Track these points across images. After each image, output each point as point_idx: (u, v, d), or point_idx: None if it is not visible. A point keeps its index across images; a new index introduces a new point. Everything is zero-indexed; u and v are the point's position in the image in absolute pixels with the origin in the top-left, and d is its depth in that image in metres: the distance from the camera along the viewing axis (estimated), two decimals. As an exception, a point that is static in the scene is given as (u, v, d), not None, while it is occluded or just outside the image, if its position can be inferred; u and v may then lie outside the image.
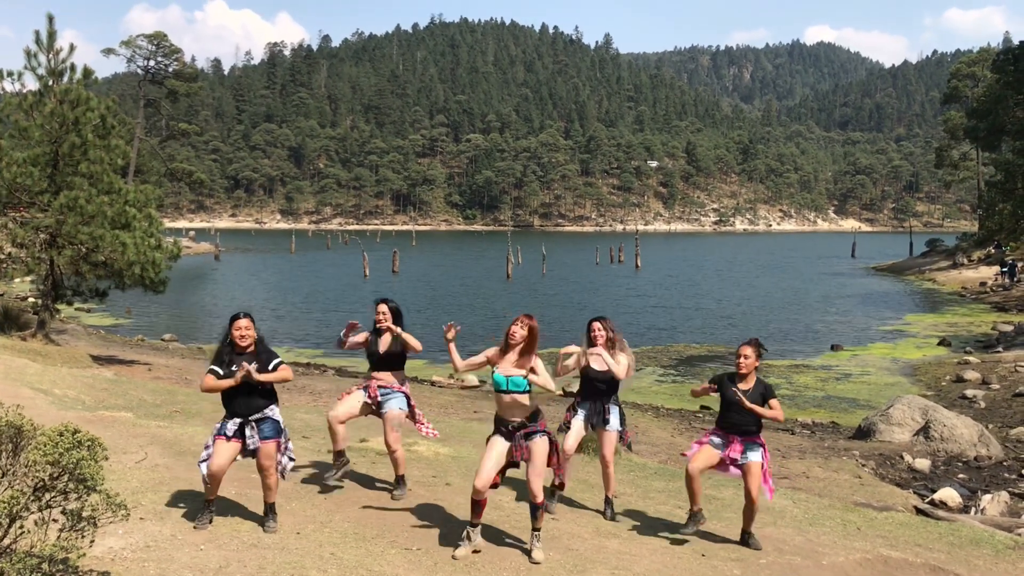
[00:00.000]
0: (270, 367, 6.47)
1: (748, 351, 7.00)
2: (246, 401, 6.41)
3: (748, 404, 6.82)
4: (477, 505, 6.32)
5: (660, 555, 6.65)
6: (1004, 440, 15.11)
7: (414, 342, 7.59)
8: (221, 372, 6.38)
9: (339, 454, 7.68)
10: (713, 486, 8.98)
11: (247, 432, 6.41)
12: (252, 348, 6.47)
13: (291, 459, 6.71)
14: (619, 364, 7.61)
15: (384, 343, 7.67)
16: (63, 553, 4.31)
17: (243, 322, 6.45)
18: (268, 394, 6.52)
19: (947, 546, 7.45)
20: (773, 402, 6.92)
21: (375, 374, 7.68)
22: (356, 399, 7.65)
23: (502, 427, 6.38)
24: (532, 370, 6.30)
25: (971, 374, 21.22)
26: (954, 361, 23.75)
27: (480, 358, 6.50)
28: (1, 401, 5.13)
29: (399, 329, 7.56)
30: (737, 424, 6.95)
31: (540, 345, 6.54)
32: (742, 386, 6.94)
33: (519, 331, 6.37)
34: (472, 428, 12.42)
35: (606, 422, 7.71)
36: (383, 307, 7.72)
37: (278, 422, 6.53)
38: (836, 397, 20.08)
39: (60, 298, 20.39)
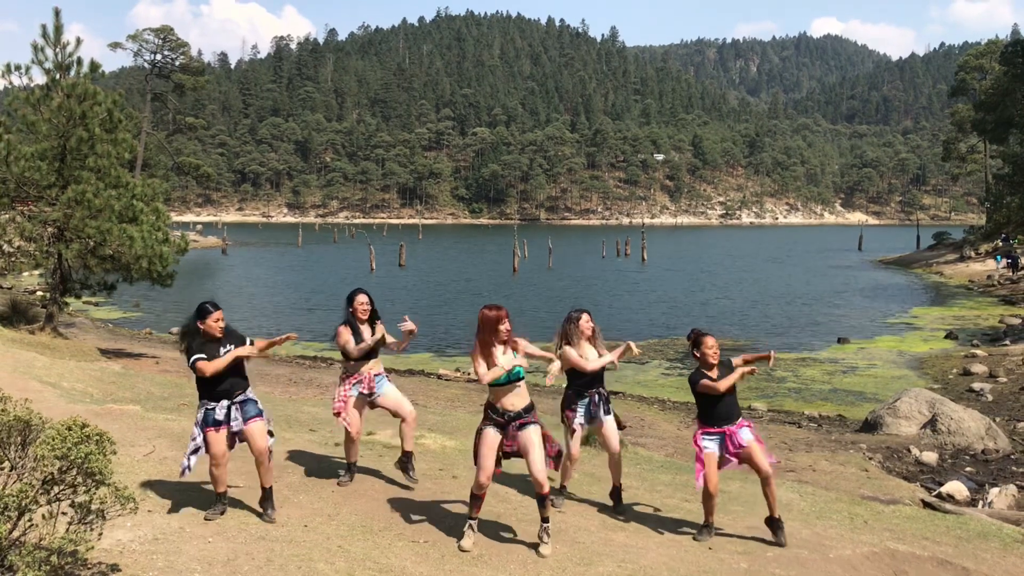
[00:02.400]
0: (247, 342, 6.63)
1: (712, 341, 6.95)
2: (232, 382, 6.48)
3: (731, 381, 6.90)
4: (478, 499, 6.33)
5: (667, 548, 6.65)
6: (1012, 433, 15.06)
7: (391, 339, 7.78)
8: (205, 357, 6.40)
9: (354, 463, 7.80)
10: (720, 480, 8.97)
11: (232, 414, 6.44)
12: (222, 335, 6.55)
13: (271, 434, 6.73)
14: (596, 358, 7.63)
15: (368, 333, 7.66)
16: (72, 546, 4.34)
17: (219, 313, 6.50)
18: (244, 376, 6.61)
19: (954, 539, 7.44)
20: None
21: (363, 365, 7.69)
22: (356, 403, 7.67)
23: (495, 416, 6.34)
24: (526, 354, 6.36)
25: (978, 367, 21.16)
26: (961, 354, 23.70)
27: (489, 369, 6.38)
28: (10, 395, 5.15)
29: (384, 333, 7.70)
30: (727, 415, 6.95)
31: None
32: (712, 374, 6.96)
33: (507, 326, 6.36)
34: (478, 421, 12.43)
35: (607, 412, 7.67)
36: (363, 298, 7.69)
37: (257, 401, 6.61)
38: (842, 390, 20.04)
39: (68, 292, 20.46)
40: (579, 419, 7.64)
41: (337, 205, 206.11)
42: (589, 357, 7.60)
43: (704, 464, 6.93)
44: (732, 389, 6.97)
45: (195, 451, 6.44)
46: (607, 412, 7.69)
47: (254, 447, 6.49)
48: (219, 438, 6.40)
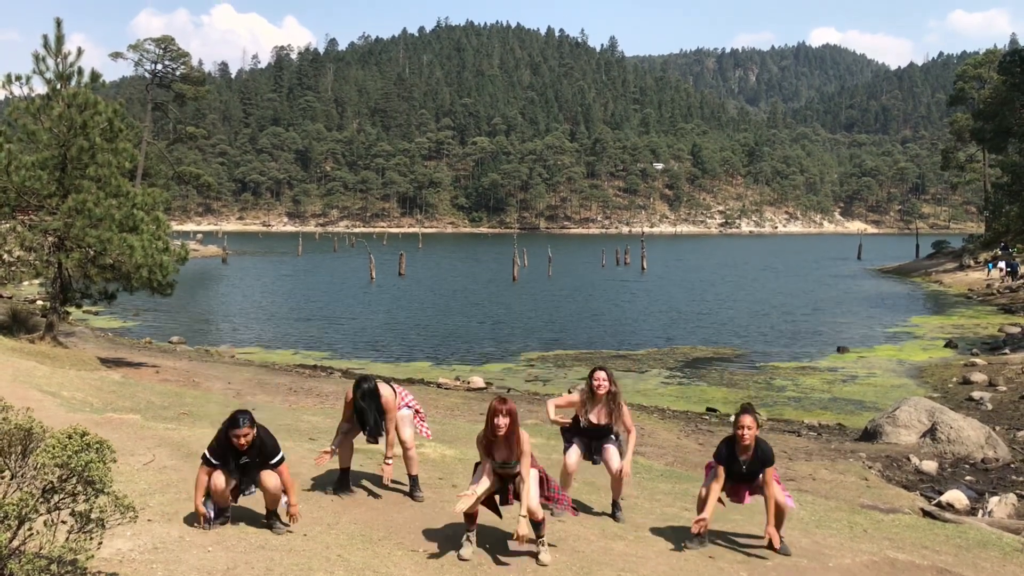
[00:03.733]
0: (272, 461, 6.45)
1: (749, 421, 6.76)
2: (245, 477, 6.52)
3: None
4: (470, 517, 6.35)
5: (666, 557, 6.64)
6: (1011, 442, 15.06)
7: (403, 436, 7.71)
8: (215, 462, 6.38)
9: (346, 471, 7.80)
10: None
11: (243, 484, 6.54)
12: (251, 446, 6.46)
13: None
14: (629, 448, 7.62)
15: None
16: (72, 555, 4.34)
17: (245, 430, 6.33)
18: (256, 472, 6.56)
19: (954, 548, 7.44)
20: (770, 473, 6.79)
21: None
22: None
23: (497, 468, 6.38)
24: (521, 456, 6.35)
25: (978, 376, 21.15)
26: (960, 363, 23.68)
27: (484, 482, 6.38)
28: (11, 404, 5.16)
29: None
30: (742, 484, 6.95)
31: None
32: (743, 457, 6.82)
33: (503, 421, 6.29)
34: (478, 431, 12.42)
35: (599, 450, 7.66)
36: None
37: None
38: (842, 399, 20.03)
39: (68, 301, 20.46)
40: (576, 444, 7.70)
41: (337, 214, 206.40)
42: (591, 419, 7.61)
43: (707, 481, 6.94)
44: (751, 475, 6.86)
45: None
46: (603, 449, 7.69)
47: (266, 492, 6.47)
48: (219, 477, 6.40)
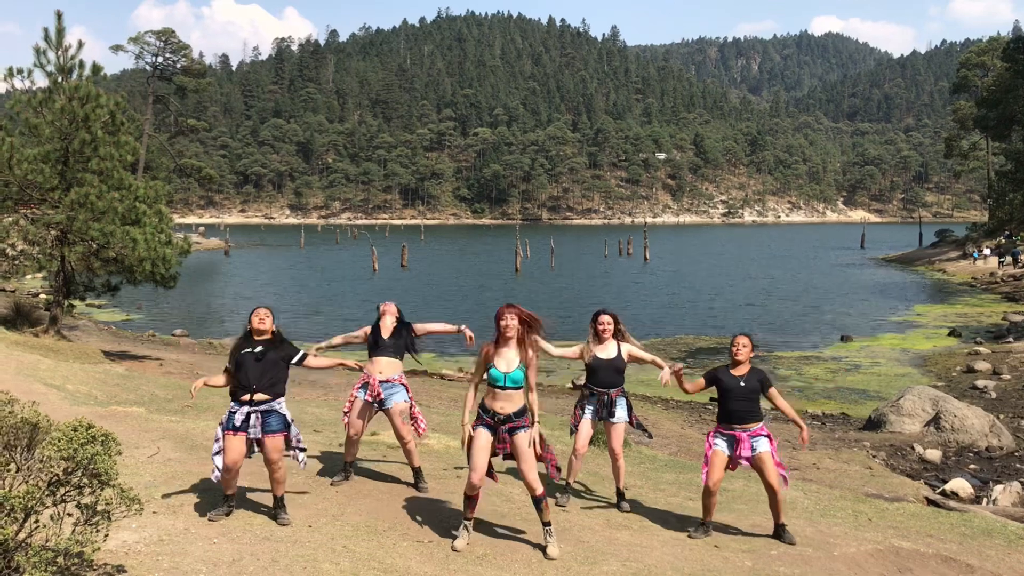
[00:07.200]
0: (293, 360, 6.72)
1: (745, 340, 7.03)
2: (251, 385, 6.48)
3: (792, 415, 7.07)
4: (472, 500, 6.31)
5: (671, 546, 6.65)
6: (1015, 430, 15.06)
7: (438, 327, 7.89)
8: (232, 367, 6.56)
9: (350, 464, 7.85)
10: (724, 479, 8.96)
11: (251, 420, 6.42)
12: (270, 337, 6.66)
13: (303, 449, 6.70)
14: (638, 349, 7.76)
15: (387, 329, 7.72)
16: (78, 547, 4.35)
17: (262, 311, 6.75)
18: (276, 388, 6.57)
19: (959, 537, 7.44)
20: (773, 392, 7.01)
21: (376, 361, 7.68)
22: (361, 407, 7.64)
23: (486, 416, 6.30)
24: (529, 361, 6.30)
25: (982, 364, 21.14)
26: (964, 351, 23.67)
27: (480, 368, 6.44)
28: (16, 397, 5.16)
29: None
30: (739, 412, 6.89)
31: (550, 337, 6.60)
32: (736, 372, 6.95)
33: (512, 323, 6.29)
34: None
35: (612, 414, 7.64)
36: (389, 316, 7.85)
37: (284, 416, 6.56)
38: (846, 388, 20.03)
39: (71, 294, 20.49)
40: (587, 415, 7.67)
41: (339, 206, 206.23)
42: (599, 355, 7.64)
43: (708, 460, 6.93)
44: (750, 392, 6.92)
45: (218, 452, 6.47)
46: (616, 416, 7.64)
47: (266, 459, 6.51)
48: (235, 444, 6.39)
